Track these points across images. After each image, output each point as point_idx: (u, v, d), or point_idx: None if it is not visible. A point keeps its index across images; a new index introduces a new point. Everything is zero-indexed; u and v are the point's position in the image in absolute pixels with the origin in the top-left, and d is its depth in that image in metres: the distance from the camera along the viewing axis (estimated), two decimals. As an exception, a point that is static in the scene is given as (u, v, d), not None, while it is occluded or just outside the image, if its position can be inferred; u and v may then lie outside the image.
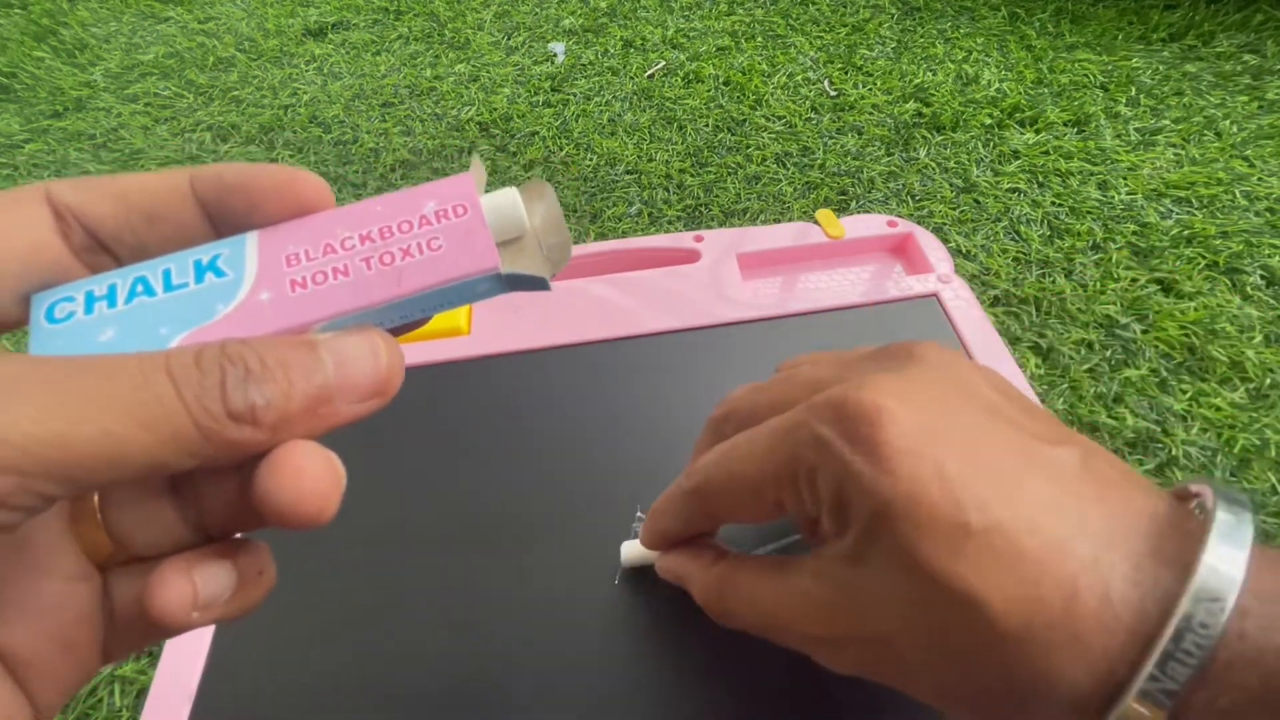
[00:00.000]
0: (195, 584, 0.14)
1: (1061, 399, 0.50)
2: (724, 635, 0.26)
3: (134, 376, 0.12)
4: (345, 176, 0.75)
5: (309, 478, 0.13)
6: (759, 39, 0.87)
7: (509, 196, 0.16)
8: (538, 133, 0.76)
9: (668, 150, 0.72)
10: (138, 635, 0.16)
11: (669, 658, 0.28)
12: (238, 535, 0.16)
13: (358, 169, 0.75)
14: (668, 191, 0.68)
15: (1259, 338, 0.52)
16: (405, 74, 0.87)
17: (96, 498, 0.15)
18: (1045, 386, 0.51)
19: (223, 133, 0.81)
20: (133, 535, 0.15)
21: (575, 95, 0.81)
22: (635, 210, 0.66)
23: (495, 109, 0.79)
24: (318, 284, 0.15)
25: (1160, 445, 0.47)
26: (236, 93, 0.87)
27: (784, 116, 0.75)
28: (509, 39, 0.91)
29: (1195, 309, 0.54)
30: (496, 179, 0.71)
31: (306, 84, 0.87)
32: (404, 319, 0.16)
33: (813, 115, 0.75)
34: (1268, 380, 0.49)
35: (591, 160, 0.72)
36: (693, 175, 0.69)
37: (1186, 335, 0.52)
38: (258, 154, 0.79)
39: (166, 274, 0.15)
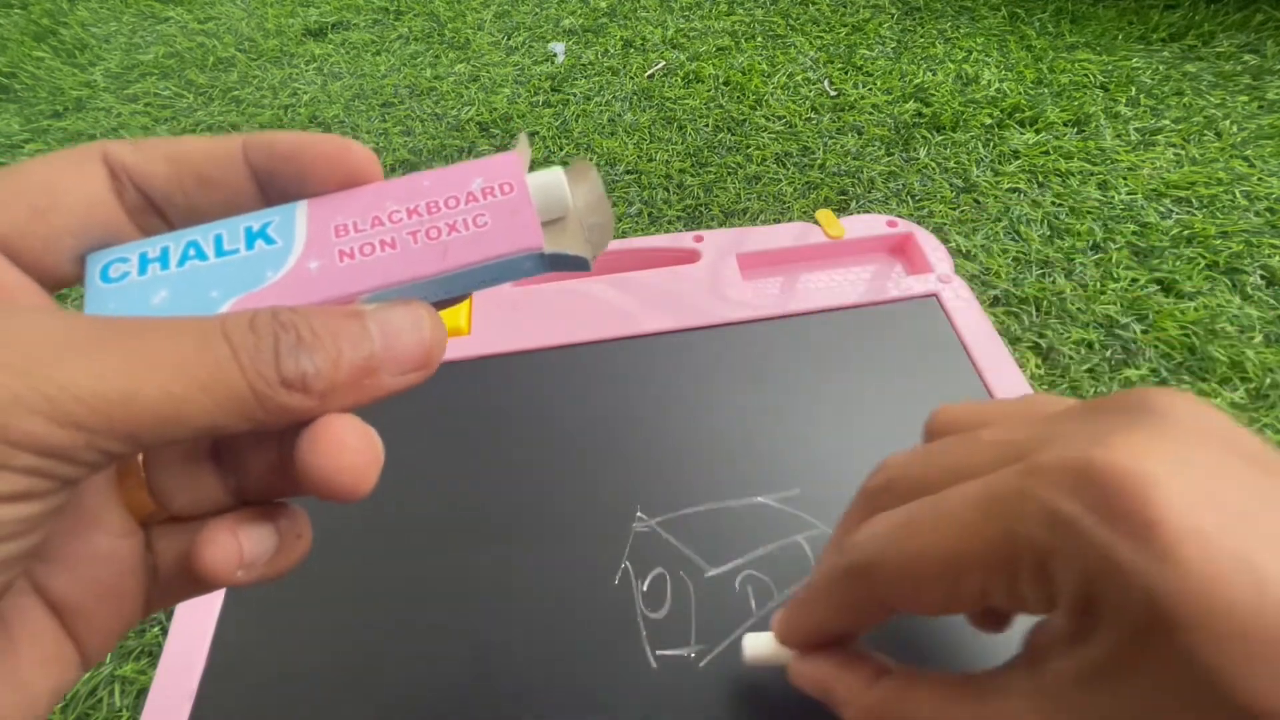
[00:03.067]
0: (241, 543, 0.15)
1: (1061, 399, 0.50)
2: (728, 625, 0.26)
3: (194, 340, 0.12)
4: (345, 176, 0.75)
5: (350, 450, 0.13)
6: (759, 39, 0.87)
7: (554, 176, 0.16)
8: (538, 133, 0.76)
9: (668, 150, 0.72)
10: (179, 589, 0.16)
11: (668, 657, 0.28)
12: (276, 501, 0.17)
13: (358, 169, 0.75)
14: (668, 191, 0.68)
15: (1259, 338, 0.52)
16: (405, 74, 0.87)
17: (141, 458, 0.15)
18: (1045, 386, 0.51)
19: (223, 133, 0.81)
20: (174, 496, 0.15)
21: (575, 95, 0.80)
22: (635, 210, 0.66)
23: (495, 109, 0.79)
24: (365, 255, 0.15)
25: (1160, 445, 0.47)
26: (236, 93, 0.87)
27: (784, 116, 0.75)
28: (509, 39, 0.91)
29: (1195, 309, 0.54)
30: (496, 179, 0.71)
31: (306, 84, 0.87)
32: (447, 294, 0.16)
33: (813, 115, 0.75)
34: (1268, 380, 0.49)
35: (591, 160, 0.72)
36: (693, 175, 0.69)
37: (1186, 335, 0.52)
38: (258, 154, 0.79)
39: (218, 239, 0.15)
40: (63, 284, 0.15)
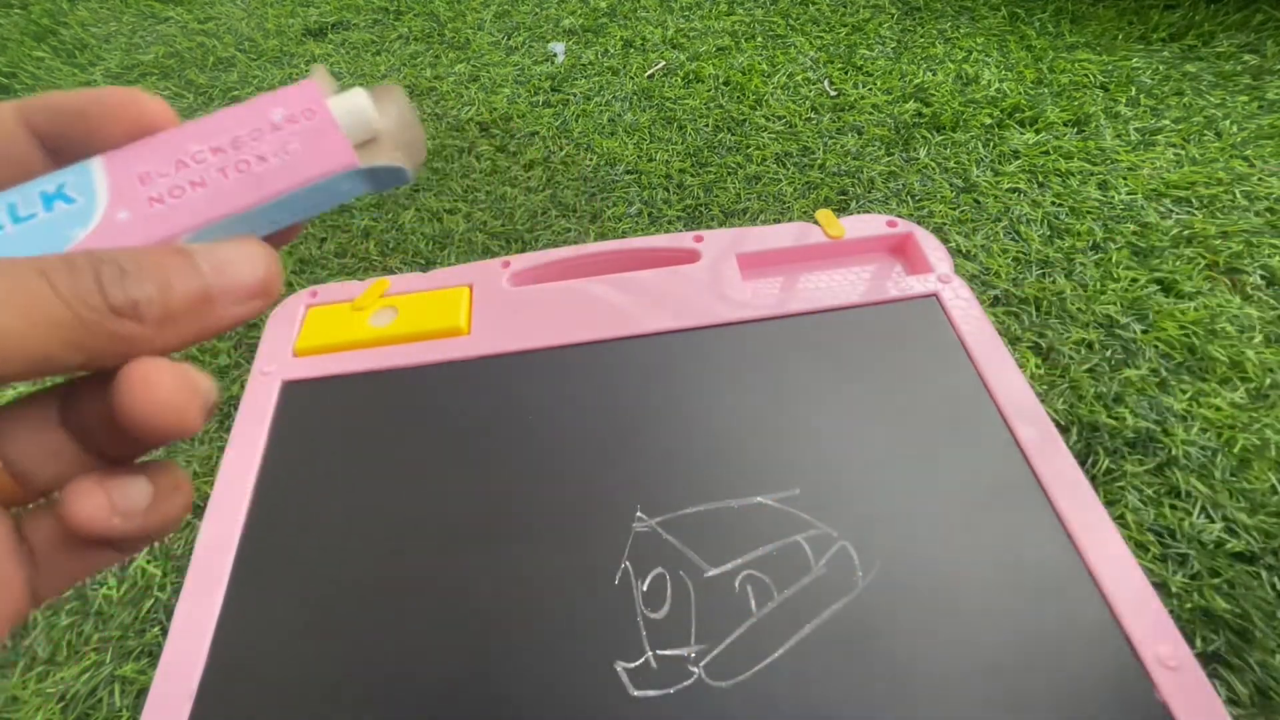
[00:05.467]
0: (109, 492, 0.15)
1: (1061, 399, 0.50)
2: (727, 625, 0.26)
3: (7, 279, 0.12)
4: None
5: (161, 388, 0.13)
6: (759, 39, 0.87)
7: (356, 97, 0.16)
8: (538, 133, 0.76)
9: (668, 150, 0.72)
10: (66, 569, 0.16)
11: (668, 657, 0.28)
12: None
13: (358, 169, 0.75)
14: (668, 191, 0.68)
15: (1259, 338, 0.52)
16: (405, 74, 0.87)
17: None
18: (1045, 386, 0.51)
19: (223, 133, 0.81)
20: (35, 472, 0.15)
21: (575, 95, 0.80)
22: (635, 210, 0.66)
23: (495, 109, 0.79)
24: (176, 197, 0.15)
25: (1160, 445, 0.47)
26: (236, 93, 0.87)
27: (784, 116, 0.75)
28: (509, 39, 0.91)
29: (1195, 309, 0.54)
30: (497, 179, 0.71)
31: (306, 84, 0.87)
32: (274, 225, 0.16)
33: (813, 115, 0.75)
34: (1268, 380, 0.49)
35: (591, 160, 0.72)
36: (693, 175, 0.69)
37: (1186, 335, 0.52)
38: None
39: (11, 207, 0.15)
40: None
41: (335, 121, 0.16)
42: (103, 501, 0.14)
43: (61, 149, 0.16)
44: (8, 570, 0.15)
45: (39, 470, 0.15)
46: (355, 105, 0.16)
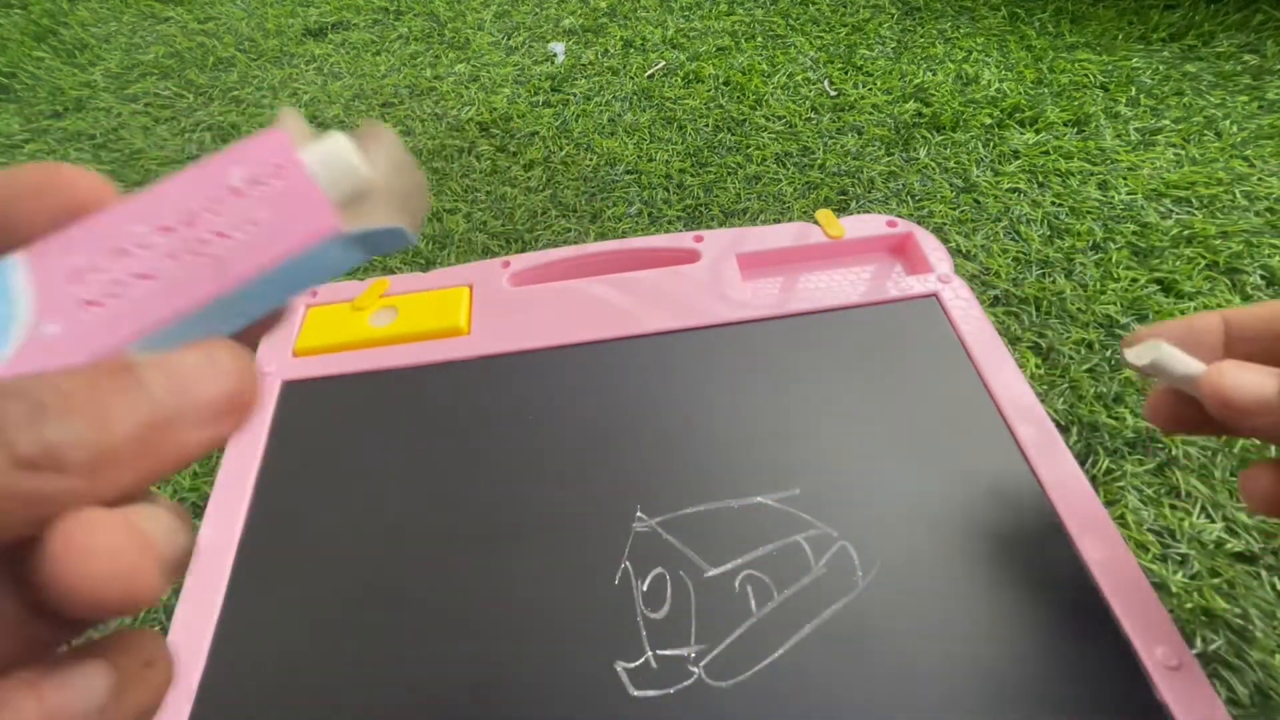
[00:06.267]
0: (44, 697, 0.11)
1: (1061, 399, 0.50)
2: (727, 625, 0.26)
3: None
4: (345, 176, 0.75)
5: (97, 557, 0.10)
6: (759, 39, 0.87)
7: (336, 143, 0.13)
8: (538, 133, 0.76)
9: (668, 150, 0.72)
10: None
11: (668, 657, 0.28)
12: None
13: (358, 169, 0.75)
14: (668, 191, 0.68)
15: (1259, 338, 0.52)
16: (405, 74, 0.87)
17: None
18: (1045, 386, 0.51)
19: (223, 133, 0.81)
20: None
21: (575, 95, 0.80)
22: (635, 210, 0.66)
23: (495, 109, 0.79)
24: (117, 296, 0.12)
25: (1160, 445, 0.47)
26: (236, 93, 0.87)
27: (784, 116, 0.75)
28: (509, 39, 0.91)
29: (1195, 309, 0.54)
30: (497, 179, 0.71)
31: (306, 84, 0.87)
32: (246, 317, 0.13)
33: (813, 115, 0.75)
34: (1268, 380, 0.49)
35: (591, 160, 0.72)
36: (693, 175, 0.69)
37: (1186, 335, 0.52)
38: (258, 154, 0.79)
39: None
40: None
41: (311, 178, 0.13)
42: (33, 713, 0.11)
43: None
44: None
45: None
46: (335, 154, 0.13)
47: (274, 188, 0.13)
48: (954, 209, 0.63)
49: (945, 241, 0.58)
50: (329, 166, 0.13)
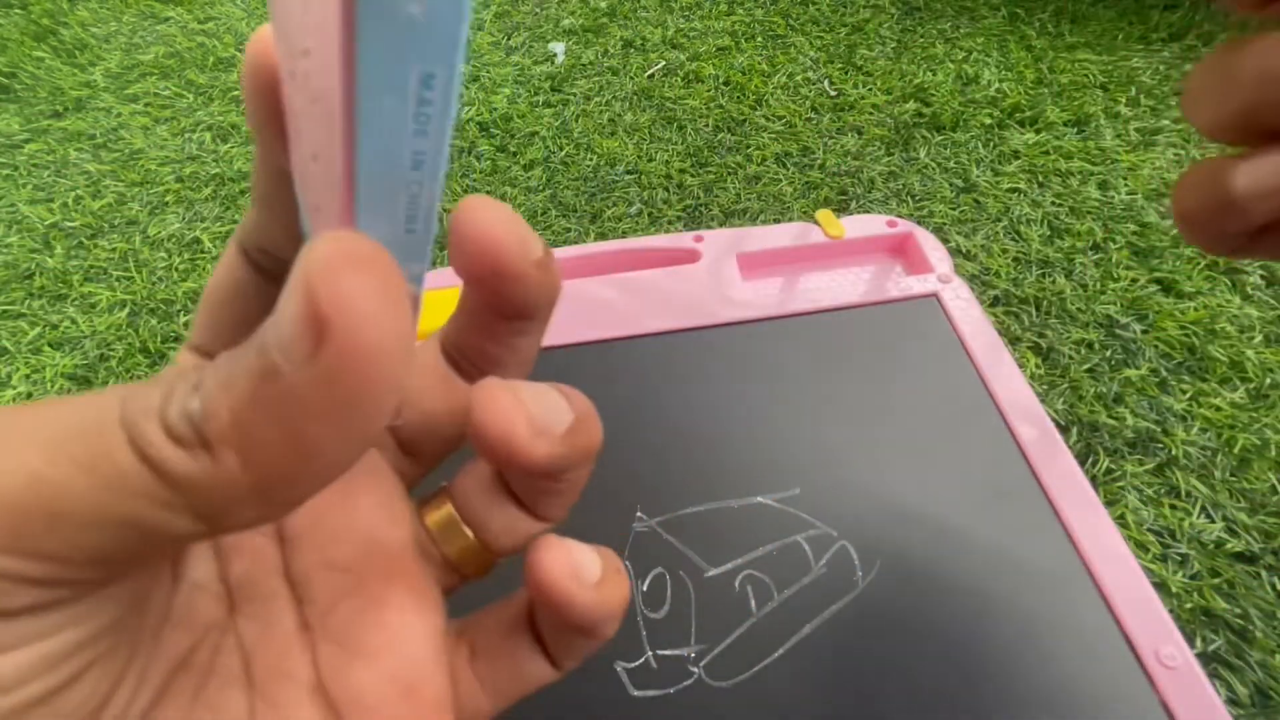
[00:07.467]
0: (571, 553, 0.14)
1: (1061, 399, 0.50)
2: (727, 625, 0.26)
3: (78, 408, 0.09)
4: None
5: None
6: (759, 39, 0.87)
7: None
8: (538, 133, 0.76)
9: (668, 150, 0.72)
10: (499, 685, 0.16)
11: (668, 657, 0.28)
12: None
13: (358, 169, 0.75)
14: (668, 191, 0.68)
15: (1259, 338, 0.52)
16: (405, 74, 0.87)
17: (451, 506, 0.15)
18: (1045, 386, 0.51)
19: (223, 133, 0.81)
20: (497, 535, 0.15)
21: (575, 95, 0.80)
22: (635, 210, 0.66)
23: (495, 109, 0.79)
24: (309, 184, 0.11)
25: (1160, 445, 0.47)
26: (236, 93, 0.86)
27: (784, 116, 0.75)
28: (509, 39, 0.91)
29: (1195, 309, 0.54)
30: (497, 179, 0.71)
31: (306, 84, 0.87)
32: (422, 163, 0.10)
33: (813, 115, 0.75)
34: (1268, 380, 0.49)
35: (591, 160, 0.72)
36: (693, 175, 0.69)
37: (1186, 335, 0.52)
38: (258, 154, 0.79)
39: None
40: None
41: None
42: (566, 561, 0.14)
43: None
44: (432, 678, 0.14)
45: (502, 536, 0.15)
46: None
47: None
48: (954, 209, 0.63)
49: (945, 241, 0.58)
50: None
